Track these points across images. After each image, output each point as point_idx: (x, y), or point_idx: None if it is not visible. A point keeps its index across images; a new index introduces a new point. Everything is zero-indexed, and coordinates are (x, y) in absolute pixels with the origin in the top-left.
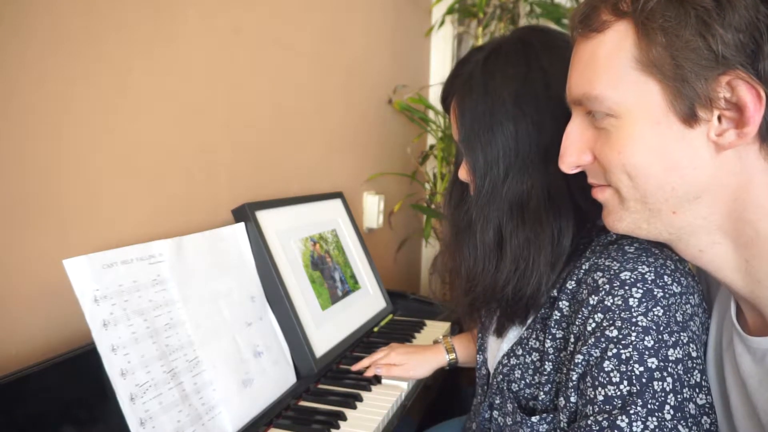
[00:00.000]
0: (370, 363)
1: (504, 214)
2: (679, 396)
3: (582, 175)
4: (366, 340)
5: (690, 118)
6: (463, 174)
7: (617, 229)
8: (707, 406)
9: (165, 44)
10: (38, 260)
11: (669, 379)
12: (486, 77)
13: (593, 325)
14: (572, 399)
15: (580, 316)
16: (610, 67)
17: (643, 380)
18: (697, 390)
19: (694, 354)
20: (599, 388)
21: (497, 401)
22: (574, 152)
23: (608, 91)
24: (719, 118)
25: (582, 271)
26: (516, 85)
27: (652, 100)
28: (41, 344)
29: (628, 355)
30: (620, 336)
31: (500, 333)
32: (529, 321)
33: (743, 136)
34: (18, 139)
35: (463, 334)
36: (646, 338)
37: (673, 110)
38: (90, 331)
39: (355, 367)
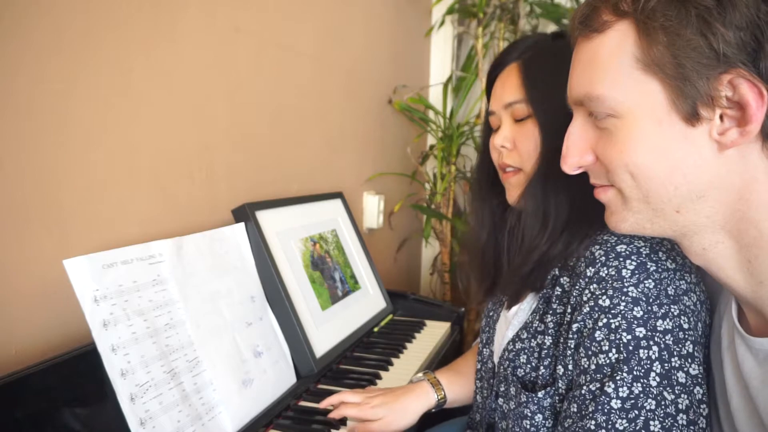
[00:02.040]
0: (339, 402)
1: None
2: (666, 364)
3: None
4: (366, 340)
5: (692, 117)
6: (503, 138)
7: (621, 229)
8: (700, 376)
9: (165, 44)
10: (38, 260)
11: (655, 348)
12: (555, 48)
13: (588, 294)
14: (570, 367)
15: (577, 287)
16: (612, 67)
17: (630, 348)
18: (689, 360)
19: (686, 326)
20: (592, 357)
21: (502, 388)
22: (577, 153)
23: (610, 91)
24: (721, 117)
25: (582, 247)
26: None
27: (654, 100)
28: (41, 344)
29: (617, 324)
30: (611, 305)
31: (516, 300)
32: (535, 305)
33: (746, 134)
34: (18, 139)
35: (452, 369)
36: (635, 308)
37: (675, 109)
38: (90, 331)
39: (323, 404)
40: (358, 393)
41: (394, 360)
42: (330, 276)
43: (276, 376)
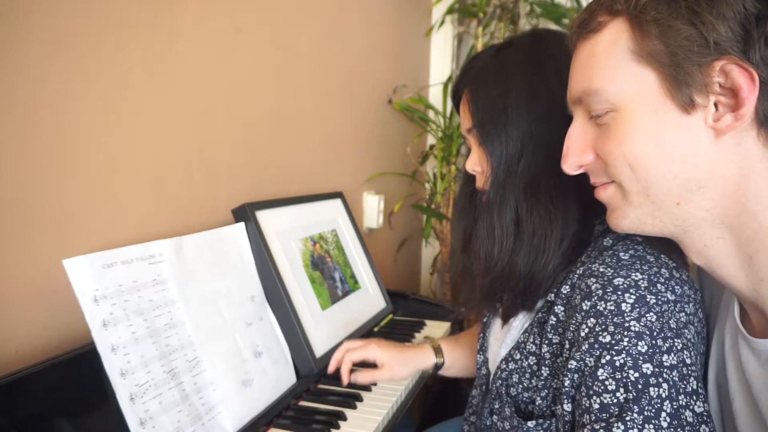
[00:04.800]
0: (343, 353)
1: (520, 193)
2: (674, 403)
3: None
4: None
5: (687, 105)
6: (472, 163)
7: (622, 226)
8: (705, 414)
9: (165, 44)
10: (38, 260)
11: (665, 386)
12: (498, 66)
13: (586, 330)
14: (566, 407)
15: (573, 321)
16: (608, 61)
17: (639, 386)
18: (694, 397)
19: (688, 361)
20: (594, 397)
21: (496, 406)
22: (576, 152)
23: (607, 84)
24: (716, 105)
25: (576, 276)
26: (528, 71)
27: (650, 89)
28: (41, 344)
29: (622, 361)
30: (613, 342)
31: (507, 318)
32: (527, 324)
33: (739, 117)
34: (18, 139)
35: (453, 338)
36: (640, 343)
37: (671, 97)
38: (90, 331)
39: (331, 369)
40: (358, 340)
41: None
42: (330, 276)
43: (276, 376)
